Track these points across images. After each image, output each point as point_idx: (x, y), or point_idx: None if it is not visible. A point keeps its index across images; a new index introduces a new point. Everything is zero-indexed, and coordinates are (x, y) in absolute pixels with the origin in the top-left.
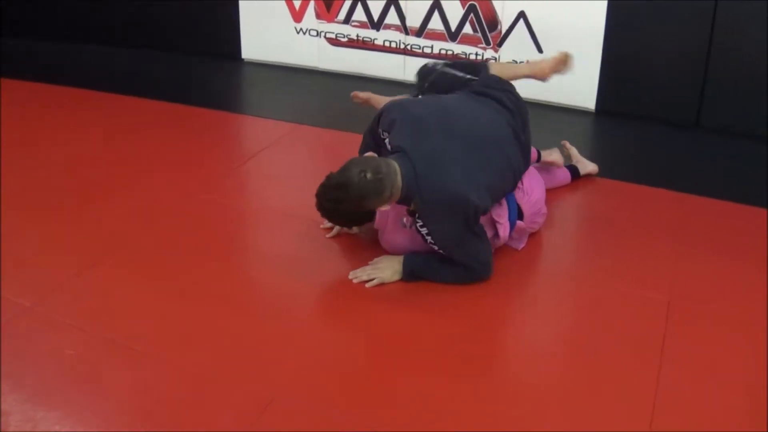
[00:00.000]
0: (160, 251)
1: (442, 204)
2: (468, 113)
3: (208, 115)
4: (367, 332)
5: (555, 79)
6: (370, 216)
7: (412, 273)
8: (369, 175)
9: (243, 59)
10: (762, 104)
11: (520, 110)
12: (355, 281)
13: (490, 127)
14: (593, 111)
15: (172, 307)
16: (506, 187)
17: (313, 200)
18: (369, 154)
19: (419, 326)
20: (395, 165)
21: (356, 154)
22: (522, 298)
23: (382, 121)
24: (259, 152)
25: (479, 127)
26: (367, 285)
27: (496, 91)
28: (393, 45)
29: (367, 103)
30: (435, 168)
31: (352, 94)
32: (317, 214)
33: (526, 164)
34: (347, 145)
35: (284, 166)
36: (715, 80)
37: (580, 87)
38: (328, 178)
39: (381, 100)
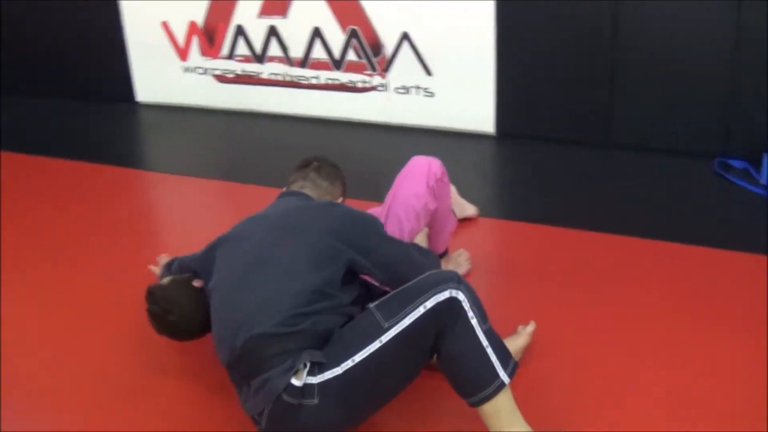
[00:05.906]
0: None
1: None
2: None
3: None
4: None
5: (449, 103)
6: None
7: None
8: None
9: (138, 102)
10: (678, 117)
11: None
12: None
13: None
14: (494, 135)
15: None
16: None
17: None
18: None
19: None
20: None
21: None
22: None
23: None
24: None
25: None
26: None
27: None
28: (278, 78)
29: None
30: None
31: None
32: None
33: None
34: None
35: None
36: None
37: (474, 110)
38: None
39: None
